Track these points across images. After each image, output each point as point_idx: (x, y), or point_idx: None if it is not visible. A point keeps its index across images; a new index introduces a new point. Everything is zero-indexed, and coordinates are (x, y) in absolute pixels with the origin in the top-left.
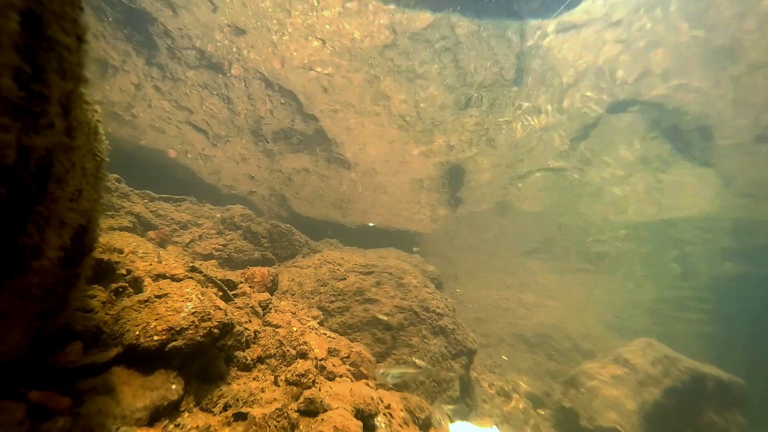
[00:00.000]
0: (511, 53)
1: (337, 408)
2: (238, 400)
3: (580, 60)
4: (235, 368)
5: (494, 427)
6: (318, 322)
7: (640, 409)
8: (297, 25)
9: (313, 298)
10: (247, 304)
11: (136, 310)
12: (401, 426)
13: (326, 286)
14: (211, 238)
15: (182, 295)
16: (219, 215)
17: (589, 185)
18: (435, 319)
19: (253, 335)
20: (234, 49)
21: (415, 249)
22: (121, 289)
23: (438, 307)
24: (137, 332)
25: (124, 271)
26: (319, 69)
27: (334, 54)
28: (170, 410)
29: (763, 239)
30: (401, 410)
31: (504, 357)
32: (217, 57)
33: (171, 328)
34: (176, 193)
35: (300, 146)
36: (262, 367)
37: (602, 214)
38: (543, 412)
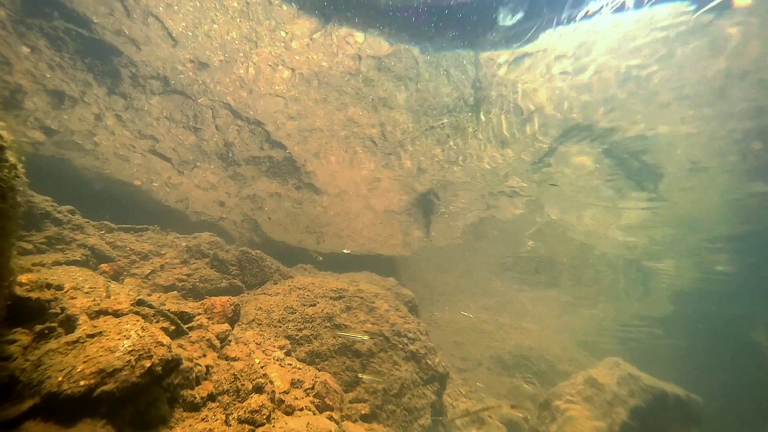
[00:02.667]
0: (469, 82)
1: None
2: None
3: (532, 89)
4: (181, 409)
5: None
6: (284, 353)
7: (609, 430)
8: (264, 55)
9: (280, 327)
10: (203, 337)
11: (62, 353)
12: None
13: (295, 313)
14: (174, 268)
15: (119, 332)
16: (184, 244)
17: (552, 208)
18: (406, 344)
19: (205, 371)
20: (199, 81)
21: (320, 257)
22: (47, 331)
23: (409, 331)
24: (60, 378)
25: (57, 310)
26: (287, 97)
27: (303, 82)
28: None
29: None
30: None
31: (479, 384)
32: (181, 87)
33: (101, 371)
34: (144, 223)
35: (270, 173)
36: (213, 405)
37: (569, 236)
38: None
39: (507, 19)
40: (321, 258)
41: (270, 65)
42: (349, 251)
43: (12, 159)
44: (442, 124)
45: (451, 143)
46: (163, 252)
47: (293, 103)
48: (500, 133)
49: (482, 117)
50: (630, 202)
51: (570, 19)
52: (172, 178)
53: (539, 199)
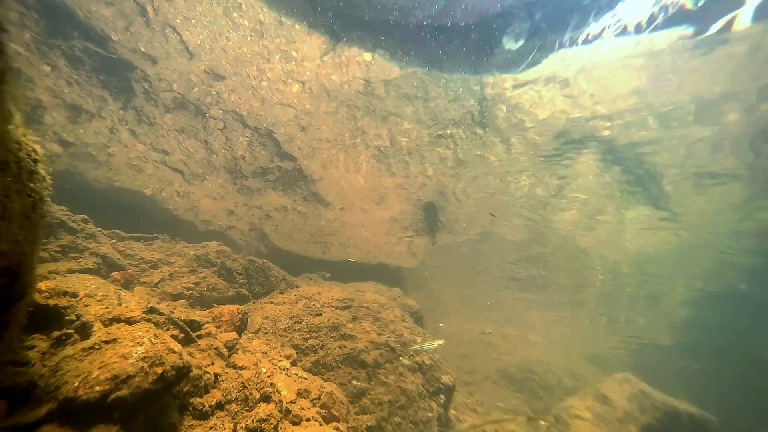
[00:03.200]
0: (475, 99)
1: None
2: None
3: (536, 107)
4: (190, 417)
5: None
6: (290, 362)
7: None
8: (276, 70)
9: (286, 336)
10: (212, 345)
11: (78, 359)
12: None
13: (301, 322)
14: (183, 276)
15: (133, 339)
16: (193, 252)
17: (560, 219)
18: (412, 355)
19: (213, 379)
20: (213, 92)
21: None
22: (64, 337)
23: (415, 342)
24: (76, 383)
25: (73, 317)
26: (297, 108)
27: (313, 96)
28: None
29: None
30: None
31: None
32: (194, 100)
33: (115, 377)
34: (153, 232)
35: (278, 183)
36: (221, 414)
37: (577, 247)
38: None
39: (511, 44)
40: (328, 275)
41: (282, 80)
42: (353, 260)
43: (42, 171)
44: (450, 137)
45: (459, 156)
46: (172, 261)
47: (304, 114)
48: (505, 148)
49: (488, 133)
50: (639, 215)
51: (572, 42)
52: (183, 187)
53: (544, 215)
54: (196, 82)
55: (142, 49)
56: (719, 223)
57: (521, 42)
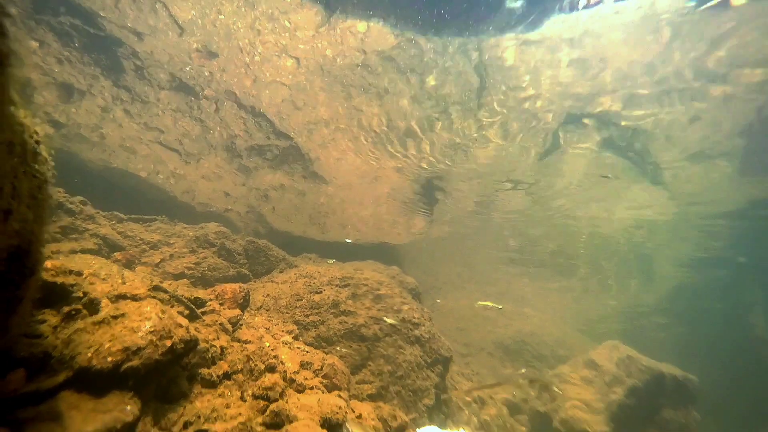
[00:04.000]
0: (473, 68)
1: (303, 419)
2: (199, 417)
3: (538, 74)
4: (199, 385)
5: (461, 430)
6: (293, 337)
7: (607, 409)
8: (269, 44)
9: (288, 313)
10: (216, 321)
11: (89, 332)
12: None
13: (302, 300)
14: (183, 257)
15: (141, 315)
16: (192, 234)
17: (556, 195)
18: (410, 329)
19: (220, 352)
20: (206, 72)
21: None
22: (74, 312)
23: (414, 317)
24: (89, 354)
25: (80, 294)
26: (291, 86)
27: (308, 72)
28: None
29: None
30: (373, 419)
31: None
32: (187, 78)
33: (126, 348)
34: (150, 214)
35: (275, 162)
36: (229, 383)
37: (573, 223)
38: (519, 417)
39: (512, 2)
40: (332, 261)
41: (276, 54)
42: (351, 241)
43: (45, 153)
44: (447, 111)
45: (456, 130)
46: (171, 242)
47: (298, 92)
48: (505, 119)
49: (486, 103)
50: (634, 186)
51: (573, 7)
52: (178, 169)
53: (543, 188)
54: (188, 60)
55: (130, 25)
56: (710, 195)
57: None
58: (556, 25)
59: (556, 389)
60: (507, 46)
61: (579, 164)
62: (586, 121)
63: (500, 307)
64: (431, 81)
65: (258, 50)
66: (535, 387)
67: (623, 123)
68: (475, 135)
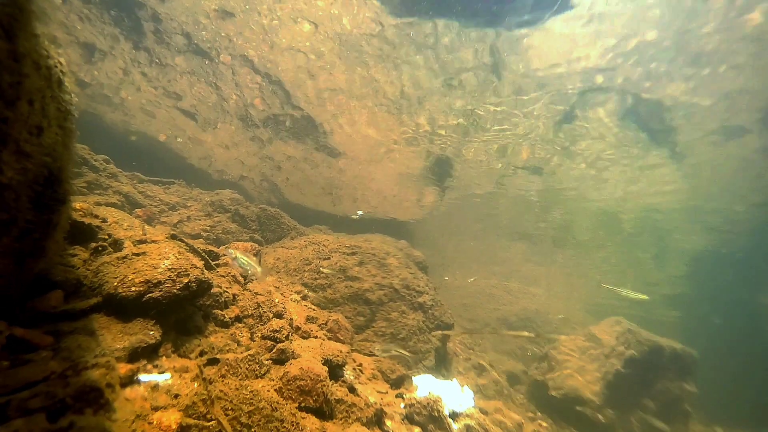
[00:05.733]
0: (487, 46)
1: (306, 357)
2: (213, 348)
3: (554, 51)
4: (213, 324)
5: (454, 380)
6: (301, 297)
7: (603, 378)
8: (287, 8)
9: (297, 275)
10: (229, 273)
11: (114, 265)
12: (369, 380)
13: (310, 264)
14: (200, 219)
15: (160, 254)
16: (208, 198)
17: (572, 172)
18: (414, 296)
19: (232, 298)
20: (222, 34)
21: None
22: (101, 248)
23: (418, 286)
24: (116, 283)
25: (105, 236)
26: (308, 53)
27: (326, 39)
28: (149, 353)
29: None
30: (372, 369)
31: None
32: (204, 42)
33: (148, 281)
34: (167, 177)
35: (289, 133)
36: (240, 325)
37: (586, 201)
38: (519, 387)
39: None
40: (360, 212)
41: (293, 18)
42: (361, 213)
43: (69, 85)
44: (462, 85)
45: (470, 106)
46: (188, 204)
47: (315, 57)
48: (520, 95)
49: (501, 79)
50: (650, 161)
51: None
52: (195, 134)
53: (556, 166)
54: (206, 24)
55: None
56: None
57: None
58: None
59: (529, 334)
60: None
61: (594, 140)
62: (601, 95)
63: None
64: (447, 55)
65: (276, 14)
66: (534, 341)
67: (642, 96)
68: (493, 105)
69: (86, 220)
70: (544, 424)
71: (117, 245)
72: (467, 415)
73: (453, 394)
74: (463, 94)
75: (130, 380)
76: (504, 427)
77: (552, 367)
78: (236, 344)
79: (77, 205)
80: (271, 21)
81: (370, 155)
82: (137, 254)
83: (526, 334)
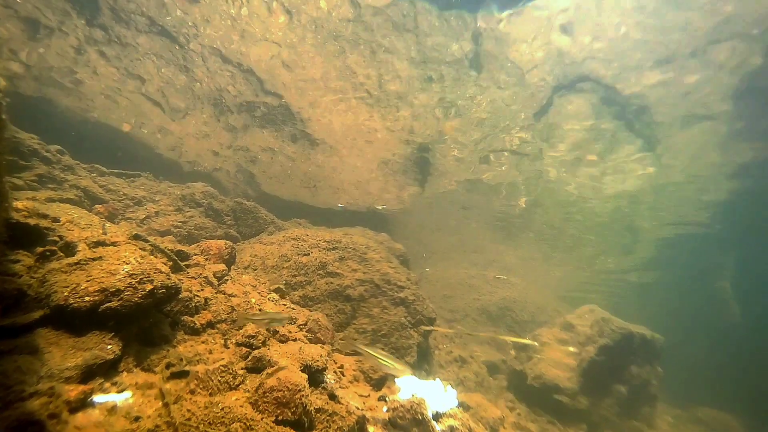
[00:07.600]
0: (468, 34)
1: (284, 364)
2: (182, 359)
3: (531, 41)
4: (182, 332)
5: (437, 379)
6: (279, 295)
7: (578, 366)
8: None
9: (275, 273)
10: (201, 274)
11: (65, 272)
12: (351, 382)
13: (289, 261)
14: (169, 215)
15: (119, 259)
16: (178, 192)
17: (549, 162)
18: (396, 291)
19: (203, 302)
20: (189, 23)
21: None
22: (49, 253)
23: (399, 280)
24: (66, 293)
25: (56, 238)
26: (282, 43)
27: (300, 27)
28: (106, 369)
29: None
30: (354, 370)
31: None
32: (170, 27)
33: (105, 290)
34: (134, 170)
35: (264, 122)
36: (212, 331)
37: (562, 191)
38: (498, 377)
39: None
40: (341, 205)
41: (265, 7)
42: (342, 206)
43: None
44: (441, 74)
45: (449, 95)
46: (156, 199)
47: (288, 51)
48: (499, 84)
49: (481, 68)
50: (625, 154)
51: None
52: (164, 123)
53: (535, 156)
54: (170, 7)
55: None
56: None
57: None
58: None
59: (531, 341)
60: (502, 15)
61: (572, 128)
62: (580, 84)
63: (504, 277)
64: (426, 41)
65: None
66: (516, 346)
67: (618, 87)
68: (471, 95)
69: (32, 221)
70: (521, 413)
71: (69, 249)
72: (450, 416)
73: (436, 395)
74: (444, 83)
75: (82, 404)
76: (486, 423)
77: (530, 357)
78: (208, 353)
79: (20, 204)
80: (239, 9)
81: (348, 145)
82: (93, 259)
83: (526, 341)
